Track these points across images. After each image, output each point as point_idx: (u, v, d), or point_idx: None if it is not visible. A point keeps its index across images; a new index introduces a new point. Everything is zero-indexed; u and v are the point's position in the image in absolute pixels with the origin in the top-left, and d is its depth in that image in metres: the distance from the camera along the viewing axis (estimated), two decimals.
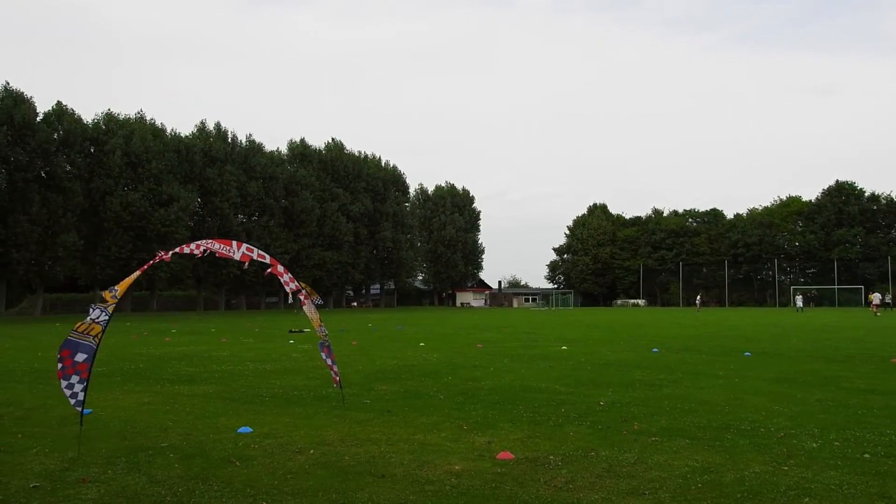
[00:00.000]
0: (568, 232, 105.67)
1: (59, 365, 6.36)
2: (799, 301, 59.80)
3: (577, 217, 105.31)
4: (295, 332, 25.69)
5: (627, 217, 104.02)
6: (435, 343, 20.17)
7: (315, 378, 11.66)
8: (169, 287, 64.97)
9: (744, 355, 15.74)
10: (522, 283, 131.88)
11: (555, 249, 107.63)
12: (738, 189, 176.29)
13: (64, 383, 6.36)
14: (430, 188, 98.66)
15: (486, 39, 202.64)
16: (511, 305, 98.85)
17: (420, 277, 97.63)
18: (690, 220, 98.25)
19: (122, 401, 9.42)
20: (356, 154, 78.74)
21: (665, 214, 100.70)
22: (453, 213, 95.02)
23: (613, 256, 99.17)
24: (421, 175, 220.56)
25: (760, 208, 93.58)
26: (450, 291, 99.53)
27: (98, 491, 5.23)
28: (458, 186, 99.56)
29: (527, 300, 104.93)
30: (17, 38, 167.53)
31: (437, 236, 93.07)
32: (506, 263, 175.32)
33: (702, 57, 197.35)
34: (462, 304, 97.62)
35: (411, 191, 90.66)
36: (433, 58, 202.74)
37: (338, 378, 9.01)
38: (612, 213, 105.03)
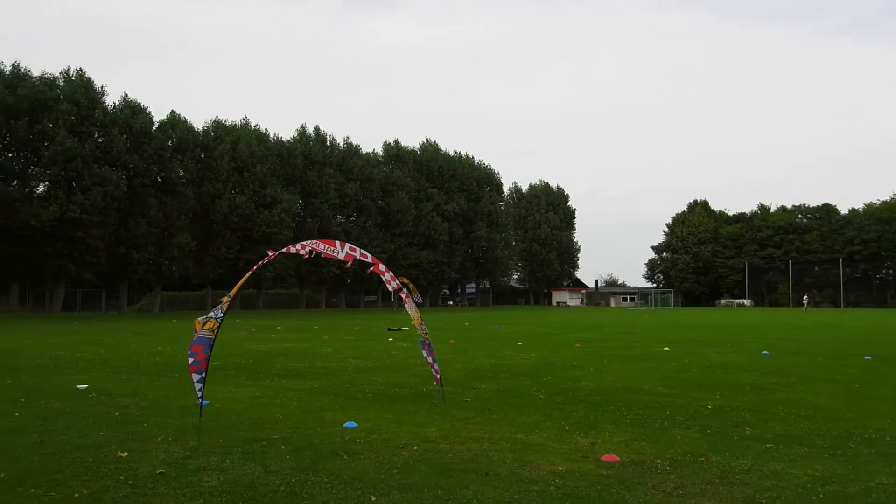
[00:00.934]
0: (667, 230, 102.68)
1: (191, 360, 6.78)
2: None
3: (677, 214, 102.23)
4: (394, 329, 26.16)
5: (731, 213, 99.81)
6: (532, 342, 20.04)
7: (415, 375, 11.85)
8: (273, 286, 67.74)
9: (864, 359, 14.77)
10: (620, 282, 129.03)
11: (653, 248, 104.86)
12: (853, 183, 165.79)
13: (196, 377, 6.79)
14: (525, 187, 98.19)
15: (579, 36, 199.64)
16: (608, 305, 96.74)
17: (515, 276, 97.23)
18: (800, 216, 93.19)
19: (236, 394, 9.90)
20: (450, 154, 79.33)
21: (772, 210, 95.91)
22: (548, 211, 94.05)
23: (716, 255, 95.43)
24: (515, 174, 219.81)
25: (878, 203, 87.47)
26: (545, 290, 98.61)
27: (218, 479, 5.53)
28: (553, 185, 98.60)
29: (624, 300, 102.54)
30: (134, 53, 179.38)
31: (532, 235, 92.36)
32: (602, 262, 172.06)
33: (809, 46, 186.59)
34: (558, 303, 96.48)
35: (505, 190, 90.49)
36: (526, 56, 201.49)
37: (438, 376, 9.11)
38: (714, 209, 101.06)
